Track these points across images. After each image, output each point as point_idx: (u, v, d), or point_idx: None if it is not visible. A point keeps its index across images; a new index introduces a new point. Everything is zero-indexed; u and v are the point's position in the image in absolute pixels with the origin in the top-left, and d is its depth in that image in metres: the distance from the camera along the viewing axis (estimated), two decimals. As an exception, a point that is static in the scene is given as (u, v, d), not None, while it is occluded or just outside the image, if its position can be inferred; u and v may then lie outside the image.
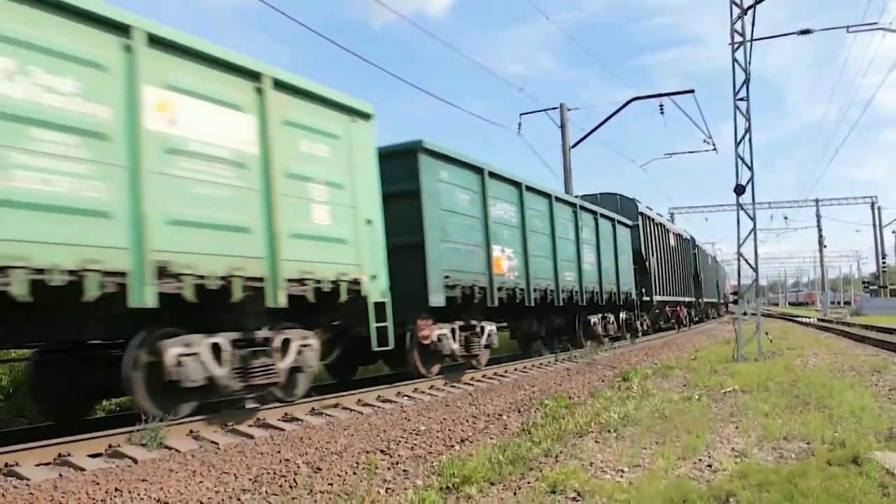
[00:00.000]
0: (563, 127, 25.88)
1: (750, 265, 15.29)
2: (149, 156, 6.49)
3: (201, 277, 6.86)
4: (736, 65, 14.97)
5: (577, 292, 16.82)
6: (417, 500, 4.52)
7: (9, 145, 5.50)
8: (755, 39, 15.40)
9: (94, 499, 4.71)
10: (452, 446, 6.53)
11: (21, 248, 5.48)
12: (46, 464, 5.80)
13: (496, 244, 12.82)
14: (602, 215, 19.58)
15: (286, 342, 8.23)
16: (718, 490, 4.66)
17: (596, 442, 6.54)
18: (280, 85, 8.06)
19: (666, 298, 26.70)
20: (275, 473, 5.41)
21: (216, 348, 7.33)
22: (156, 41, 6.71)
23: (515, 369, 13.39)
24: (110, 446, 6.30)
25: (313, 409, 8.45)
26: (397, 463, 5.88)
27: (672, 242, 29.34)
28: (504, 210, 13.48)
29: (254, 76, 7.75)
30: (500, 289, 12.69)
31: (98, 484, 5.06)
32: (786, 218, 64.34)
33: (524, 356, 16.18)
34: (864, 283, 79.38)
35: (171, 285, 6.58)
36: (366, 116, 9.42)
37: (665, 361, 14.52)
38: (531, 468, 5.54)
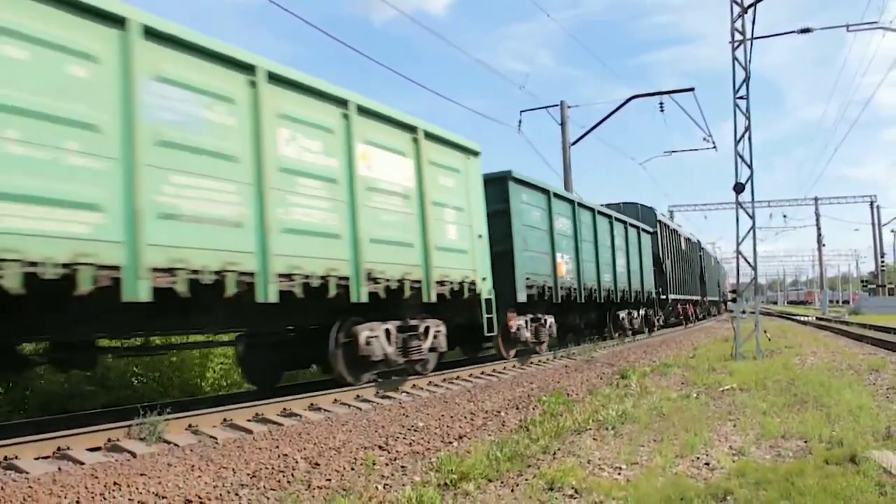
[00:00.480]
0: (563, 124, 25.86)
1: (749, 263, 15.30)
2: (360, 194, 9.09)
3: (388, 280, 9.38)
4: (736, 63, 14.98)
5: (612, 291, 19.45)
6: (415, 497, 4.53)
7: (287, 190, 8.00)
8: (755, 38, 15.38)
9: (92, 492, 4.71)
10: (450, 443, 6.53)
11: (297, 262, 7.97)
12: (45, 457, 5.81)
13: (558, 251, 15.58)
14: (630, 224, 22.18)
15: (427, 329, 10.65)
16: (716, 488, 4.68)
17: (594, 439, 6.55)
18: (428, 135, 10.79)
19: (678, 297, 29.18)
20: (273, 468, 5.42)
21: (388, 332, 9.76)
22: (362, 110, 9.35)
23: (514, 366, 13.40)
24: (109, 440, 6.32)
25: (311, 404, 8.46)
26: (395, 459, 5.89)
27: (683, 246, 31.50)
28: (563, 223, 16.28)
29: (412, 129, 10.39)
30: (561, 288, 15.41)
31: (97, 478, 5.06)
32: (785, 216, 64.64)
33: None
34: (862, 282, 79.40)
35: (373, 286, 9.10)
36: (476, 154, 12.08)
37: (663, 359, 14.54)
38: (529, 465, 5.55)
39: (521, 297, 13.39)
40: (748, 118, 14.91)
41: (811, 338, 21.04)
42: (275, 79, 7.98)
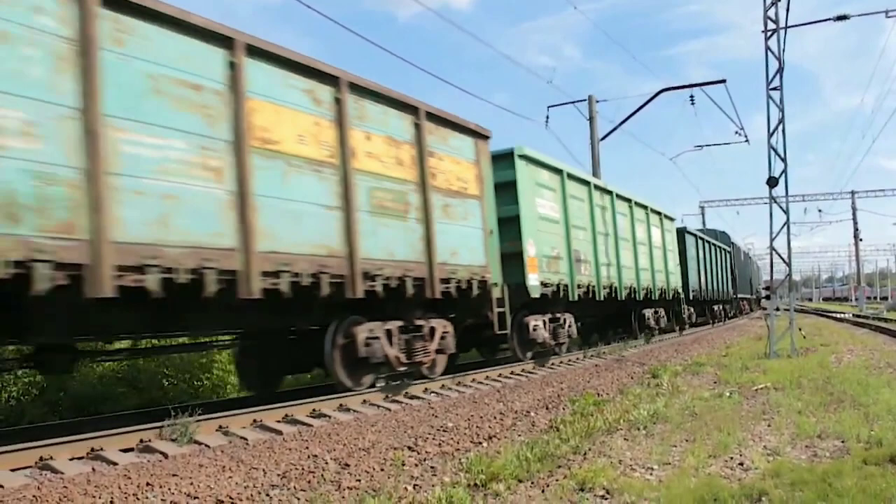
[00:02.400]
0: (591, 119, 25.67)
1: (783, 259, 15.06)
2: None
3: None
4: (769, 53, 14.72)
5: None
6: (445, 497, 4.50)
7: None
8: (789, 27, 15.05)
9: (125, 493, 4.75)
10: (480, 443, 6.50)
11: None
12: (80, 458, 5.88)
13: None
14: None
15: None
16: (750, 489, 4.60)
17: (625, 439, 6.48)
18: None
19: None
20: (303, 469, 5.43)
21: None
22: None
23: (544, 366, 13.34)
24: (141, 441, 6.38)
25: (341, 405, 8.48)
26: (425, 459, 5.87)
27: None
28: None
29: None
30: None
31: (130, 478, 5.11)
32: (820, 211, 63.38)
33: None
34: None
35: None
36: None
37: (695, 358, 14.38)
38: (559, 466, 5.50)
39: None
40: (782, 110, 14.63)
41: (848, 335, 20.69)
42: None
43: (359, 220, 8.54)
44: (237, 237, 7.02)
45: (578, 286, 14.65)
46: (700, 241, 28.76)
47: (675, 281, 23.10)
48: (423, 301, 9.77)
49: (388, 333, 9.23)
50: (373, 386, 9.24)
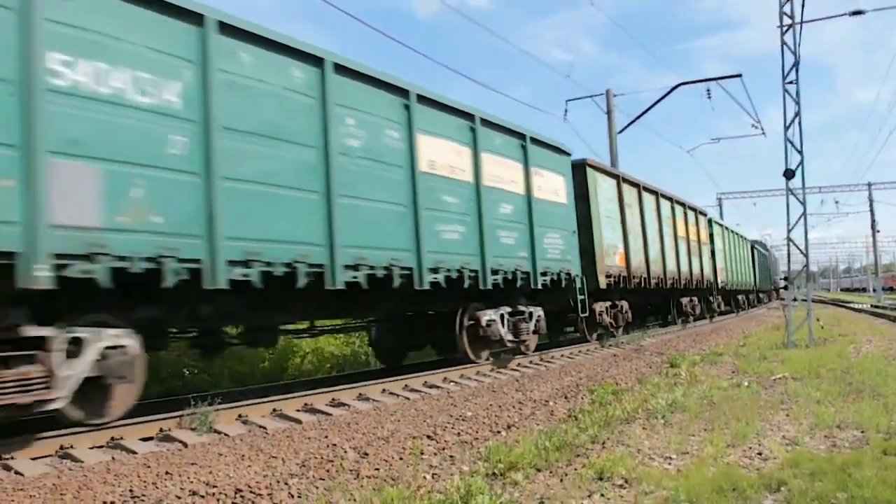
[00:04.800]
0: (609, 113, 25.60)
1: (800, 250, 14.95)
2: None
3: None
4: (785, 48, 14.62)
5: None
6: (464, 486, 4.51)
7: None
8: (805, 22, 14.97)
9: (145, 481, 4.79)
10: (499, 432, 6.51)
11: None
12: (100, 447, 5.94)
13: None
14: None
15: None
16: (769, 478, 4.58)
17: (643, 429, 6.47)
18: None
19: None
20: (322, 458, 5.45)
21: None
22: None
23: (562, 355, 13.34)
24: (161, 430, 6.43)
25: (360, 394, 8.51)
26: (444, 448, 5.88)
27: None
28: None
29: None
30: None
31: (149, 467, 5.15)
32: (837, 202, 62.68)
33: (568, 343, 16.41)
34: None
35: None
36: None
37: (713, 348, 14.33)
38: (578, 455, 5.50)
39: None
40: (798, 103, 14.55)
41: (866, 325, 20.51)
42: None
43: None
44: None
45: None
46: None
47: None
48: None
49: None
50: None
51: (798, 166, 14.43)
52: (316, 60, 8.03)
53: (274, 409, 7.49)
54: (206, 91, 6.67)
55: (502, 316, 11.47)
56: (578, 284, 13.51)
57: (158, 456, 5.56)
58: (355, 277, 8.15)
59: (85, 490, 4.61)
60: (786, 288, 17.66)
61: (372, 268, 8.43)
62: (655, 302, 21.28)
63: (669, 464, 5.22)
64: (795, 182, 14.54)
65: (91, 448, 5.86)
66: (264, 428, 6.70)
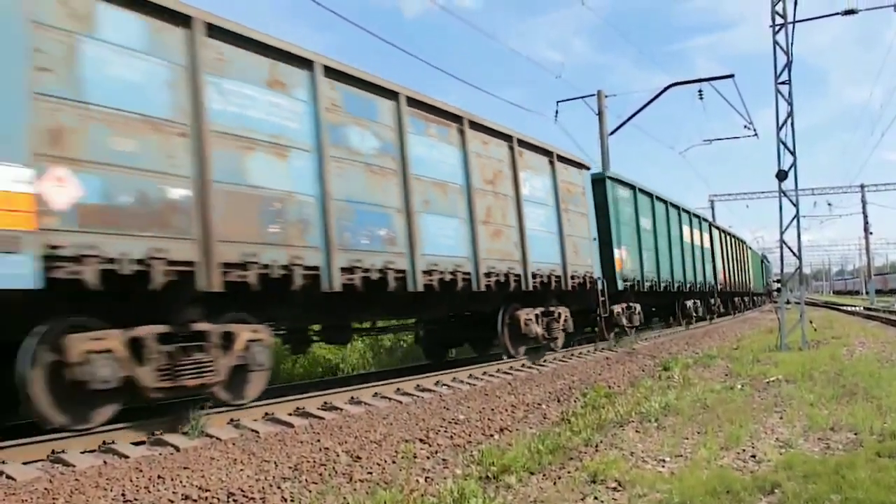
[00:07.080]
0: (600, 114, 25.59)
1: (793, 252, 14.97)
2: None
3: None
4: (777, 48, 14.64)
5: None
6: (457, 489, 4.49)
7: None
8: (797, 21, 14.97)
9: (137, 485, 4.77)
10: (491, 435, 6.50)
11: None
12: (91, 451, 5.91)
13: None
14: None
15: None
16: (763, 481, 4.58)
17: (636, 432, 6.46)
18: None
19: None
20: (314, 462, 5.43)
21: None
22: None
23: (555, 358, 13.33)
24: (153, 434, 6.40)
25: (352, 398, 8.50)
26: (436, 452, 5.87)
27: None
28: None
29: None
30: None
31: (141, 471, 5.13)
32: (829, 204, 62.73)
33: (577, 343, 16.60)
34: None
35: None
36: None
37: (706, 351, 14.33)
38: (571, 458, 5.49)
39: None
40: (790, 104, 14.55)
41: (859, 328, 20.55)
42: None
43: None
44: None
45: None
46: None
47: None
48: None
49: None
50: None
51: (791, 168, 14.45)
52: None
53: (266, 413, 7.47)
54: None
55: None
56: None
57: (150, 460, 5.53)
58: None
59: (77, 494, 4.59)
60: (779, 290, 17.66)
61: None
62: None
63: (663, 466, 5.21)
64: (788, 184, 14.56)
65: (83, 452, 5.83)
66: (256, 432, 6.68)
